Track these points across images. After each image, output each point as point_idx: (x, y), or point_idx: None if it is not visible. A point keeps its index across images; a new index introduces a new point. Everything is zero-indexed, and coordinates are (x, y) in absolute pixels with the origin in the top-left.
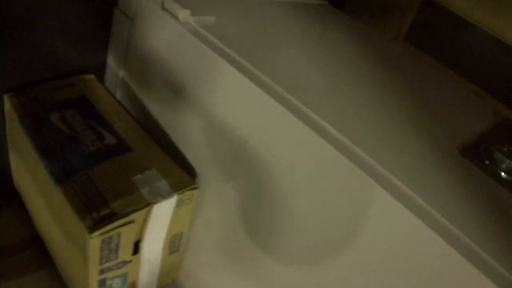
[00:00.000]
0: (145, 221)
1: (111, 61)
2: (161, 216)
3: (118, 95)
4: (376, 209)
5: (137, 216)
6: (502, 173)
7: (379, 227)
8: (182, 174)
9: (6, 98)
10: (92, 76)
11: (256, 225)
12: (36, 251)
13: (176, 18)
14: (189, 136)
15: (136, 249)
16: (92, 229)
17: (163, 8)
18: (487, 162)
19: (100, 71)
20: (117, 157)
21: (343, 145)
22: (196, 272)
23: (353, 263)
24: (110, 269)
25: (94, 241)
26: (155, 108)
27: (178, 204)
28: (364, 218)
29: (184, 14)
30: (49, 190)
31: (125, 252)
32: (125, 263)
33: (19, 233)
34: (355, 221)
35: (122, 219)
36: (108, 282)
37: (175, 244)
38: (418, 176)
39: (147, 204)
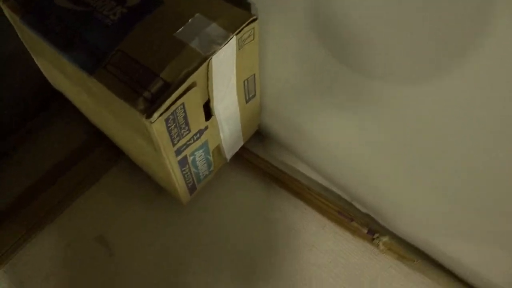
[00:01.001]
0: (207, 78)
1: None
2: (225, 66)
3: None
4: None
5: (195, 77)
6: None
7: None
8: (234, 9)
9: (1, 3)
10: None
11: (336, 34)
12: (105, 146)
13: None
14: None
15: (208, 112)
16: (148, 112)
17: None
18: None
19: None
20: (147, 16)
21: None
22: (279, 110)
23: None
24: (186, 145)
25: (157, 125)
26: None
27: (240, 45)
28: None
29: None
30: (87, 84)
31: (197, 121)
32: (201, 132)
33: (83, 133)
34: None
35: (179, 88)
36: (190, 158)
37: (249, 89)
38: None
39: (203, 58)
